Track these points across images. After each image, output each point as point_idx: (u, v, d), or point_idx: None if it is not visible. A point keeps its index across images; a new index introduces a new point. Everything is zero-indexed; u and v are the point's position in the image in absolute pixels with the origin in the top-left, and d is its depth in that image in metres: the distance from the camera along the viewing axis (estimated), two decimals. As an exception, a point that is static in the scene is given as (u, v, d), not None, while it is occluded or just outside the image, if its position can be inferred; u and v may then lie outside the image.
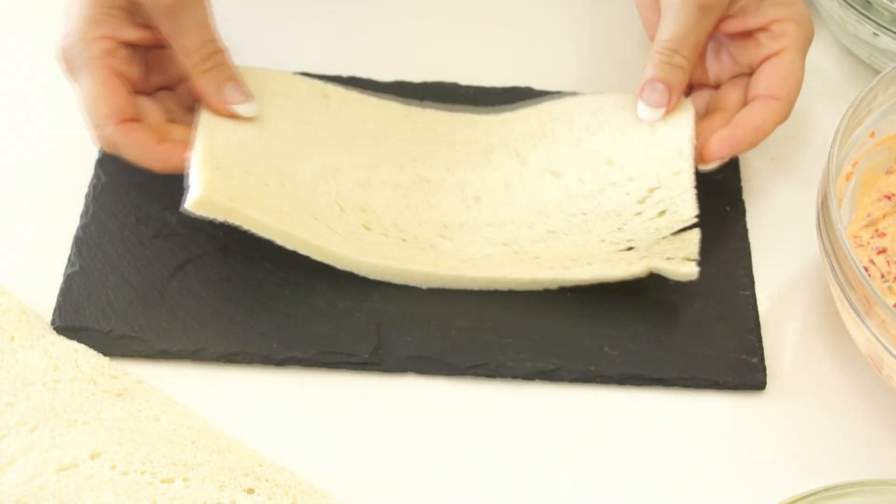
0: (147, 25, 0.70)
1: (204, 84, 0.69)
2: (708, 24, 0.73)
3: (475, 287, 0.70)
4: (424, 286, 0.70)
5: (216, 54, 0.70)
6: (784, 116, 0.73)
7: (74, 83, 0.70)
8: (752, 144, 0.73)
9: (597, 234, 0.70)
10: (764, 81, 0.73)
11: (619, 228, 0.70)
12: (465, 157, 0.75)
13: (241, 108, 0.70)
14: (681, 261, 0.68)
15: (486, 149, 0.75)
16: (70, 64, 0.69)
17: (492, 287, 0.70)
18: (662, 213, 0.70)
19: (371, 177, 0.73)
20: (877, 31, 0.79)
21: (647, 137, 0.73)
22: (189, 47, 0.69)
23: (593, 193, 0.72)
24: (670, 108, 0.72)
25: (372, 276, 0.70)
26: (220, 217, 0.66)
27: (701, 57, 0.76)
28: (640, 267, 0.68)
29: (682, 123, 0.72)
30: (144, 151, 0.69)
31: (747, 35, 0.75)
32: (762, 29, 0.74)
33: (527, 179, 0.73)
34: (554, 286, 0.70)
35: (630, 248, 0.70)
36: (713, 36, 0.75)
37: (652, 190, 0.71)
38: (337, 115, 0.75)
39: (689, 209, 0.70)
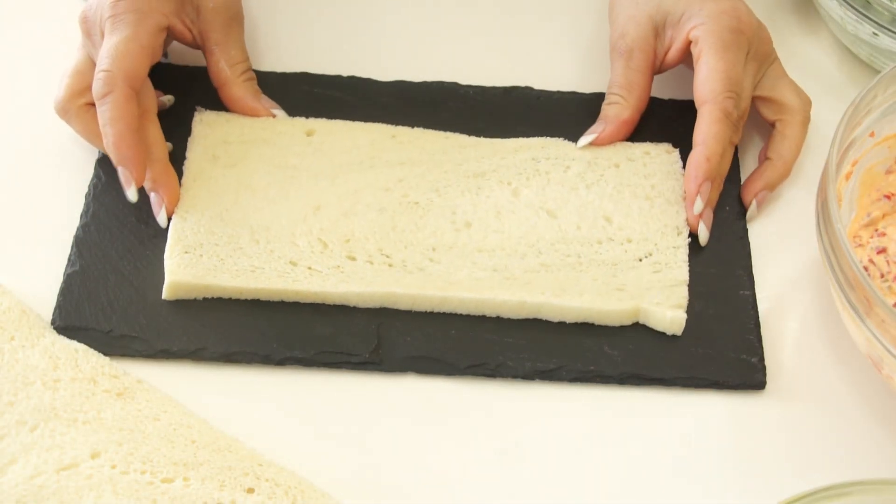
0: (186, 27, 0.75)
1: (243, 91, 0.76)
2: (637, 64, 0.76)
3: (463, 310, 0.69)
4: (413, 310, 0.69)
5: (250, 69, 0.77)
6: (721, 115, 0.72)
7: (98, 34, 0.71)
8: (709, 155, 0.72)
9: (590, 274, 0.71)
10: (695, 90, 0.75)
11: (613, 275, 0.71)
12: (455, 181, 0.74)
13: (277, 112, 0.76)
14: (669, 307, 0.69)
15: (477, 173, 0.75)
16: (117, 13, 0.70)
17: (479, 311, 0.69)
18: (657, 272, 0.71)
19: (355, 203, 0.73)
20: (876, 31, 0.79)
21: (644, 209, 0.74)
22: (235, 58, 0.76)
23: (590, 242, 0.72)
24: (601, 137, 0.76)
25: (360, 305, 0.69)
26: (196, 296, 0.69)
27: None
28: (630, 304, 0.69)
29: (678, 200, 0.74)
30: (126, 125, 0.69)
31: (689, 57, 0.77)
32: (687, 45, 0.76)
33: (519, 211, 0.73)
34: (541, 315, 0.70)
35: (621, 290, 0.70)
36: (662, 70, 0.78)
37: (649, 254, 0.72)
38: (319, 150, 0.75)
39: (682, 274, 0.71)
